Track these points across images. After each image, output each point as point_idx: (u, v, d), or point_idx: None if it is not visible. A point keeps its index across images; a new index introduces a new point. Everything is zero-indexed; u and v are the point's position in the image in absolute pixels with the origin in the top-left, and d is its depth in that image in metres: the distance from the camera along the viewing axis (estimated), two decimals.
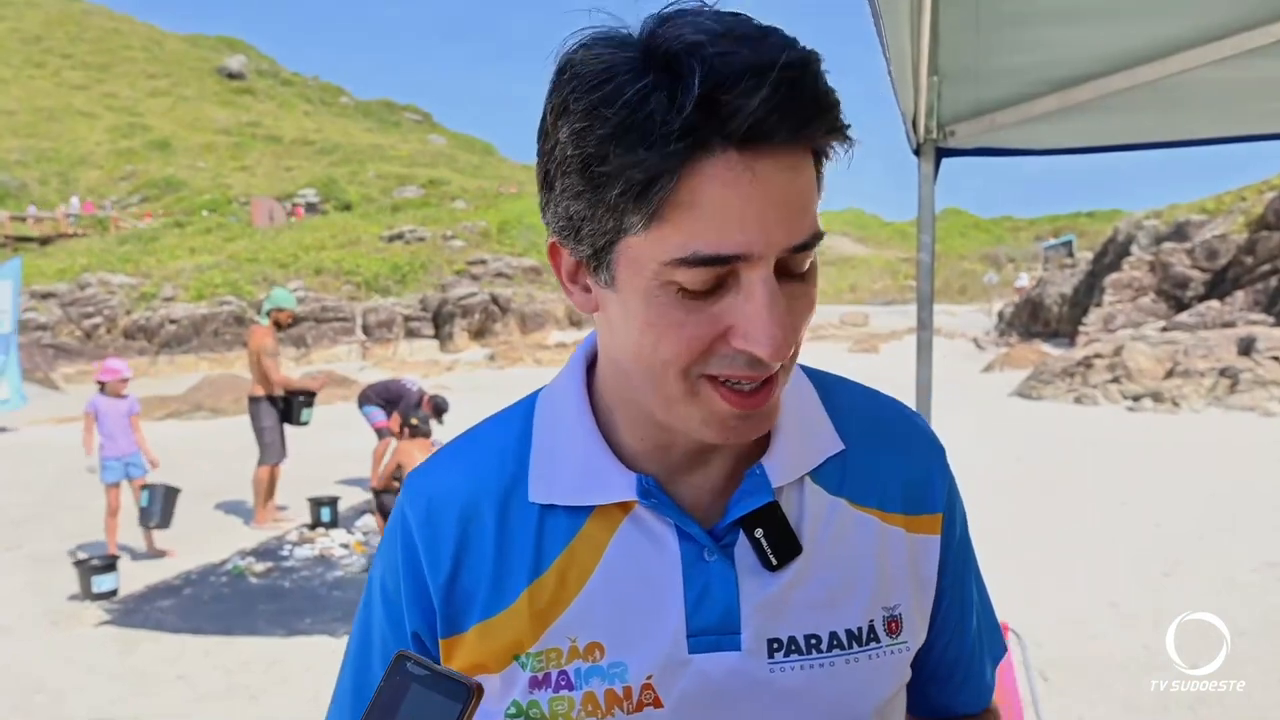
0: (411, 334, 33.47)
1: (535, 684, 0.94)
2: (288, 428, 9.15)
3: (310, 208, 45.99)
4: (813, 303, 0.85)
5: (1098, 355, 17.80)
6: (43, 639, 6.08)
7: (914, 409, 1.08)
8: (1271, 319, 19.18)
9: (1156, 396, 15.59)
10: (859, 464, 1.00)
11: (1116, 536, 7.88)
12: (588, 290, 0.88)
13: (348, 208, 46.51)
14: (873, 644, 0.96)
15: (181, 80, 72.50)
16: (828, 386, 1.06)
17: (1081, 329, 23.75)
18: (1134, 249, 26.52)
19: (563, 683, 0.93)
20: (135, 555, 7.96)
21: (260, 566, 7.66)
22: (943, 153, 2.58)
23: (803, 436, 0.99)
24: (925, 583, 1.02)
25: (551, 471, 0.97)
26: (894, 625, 0.98)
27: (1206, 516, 8.39)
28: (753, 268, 0.77)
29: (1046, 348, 24.26)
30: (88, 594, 6.79)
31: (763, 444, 0.96)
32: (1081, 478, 10.40)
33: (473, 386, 21.53)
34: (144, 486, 8.07)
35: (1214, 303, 21.14)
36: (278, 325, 9.13)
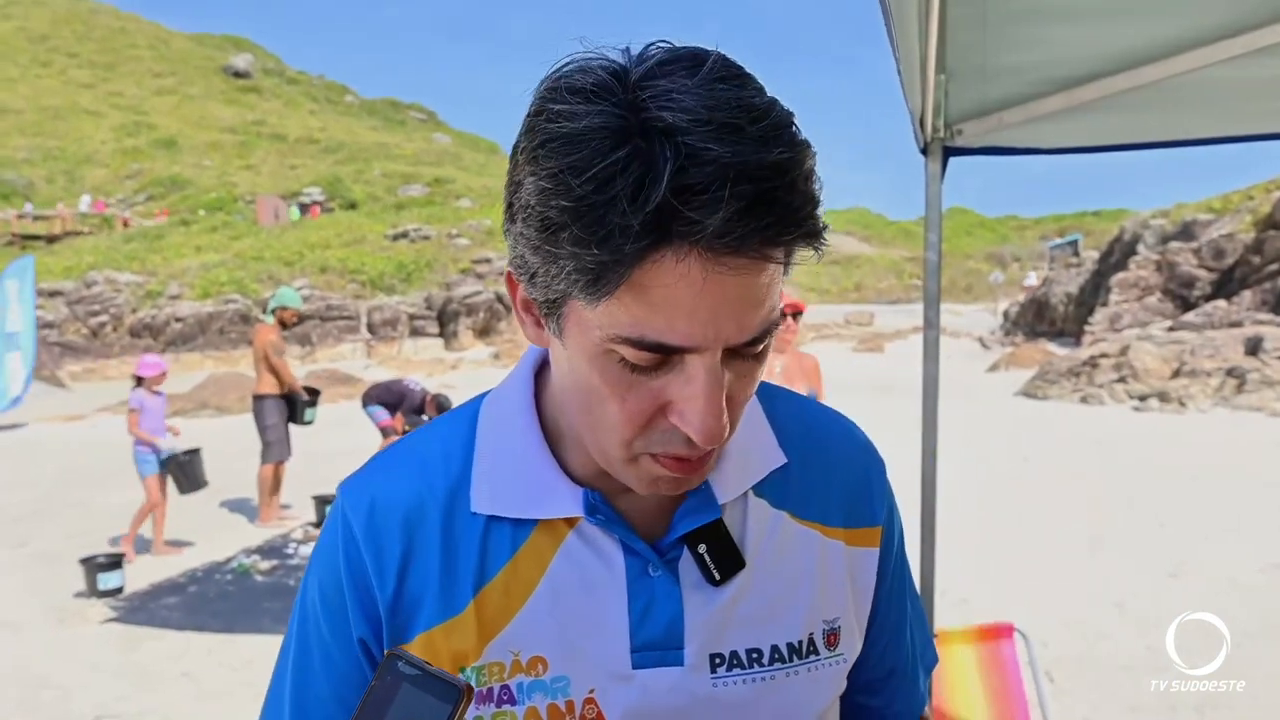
0: (416, 332, 33.51)
1: (478, 699, 0.92)
2: (292, 426, 9.17)
3: (315, 206, 46.03)
4: (755, 381, 0.83)
5: (1104, 355, 17.77)
6: (48, 636, 6.09)
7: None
8: (1279, 319, 19.12)
9: (1163, 396, 15.56)
10: (801, 477, 1.01)
11: (1122, 537, 7.86)
12: (539, 325, 0.85)
13: (353, 206, 46.55)
14: (812, 656, 0.97)
15: (187, 79, 72.62)
16: (769, 398, 1.05)
17: (1087, 329, 23.71)
18: (1140, 248, 26.46)
19: (505, 697, 0.91)
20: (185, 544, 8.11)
21: (265, 564, 7.66)
22: (950, 152, 2.58)
23: (746, 451, 0.98)
24: (862, 594, 1.03)
25: (495, 482, 0.94)
26: (832, 638, 0.99)
27: (1212, 517, 8.37)
28: (700, 357, 0.75)
29: (1052, 347, 24.23)
30: (93, 591, 6.80)
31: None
32: (1087, 478, 10.37)
33: (477, 385, 21.48)
34: (173, 459, 8.18)
35: (1221, 302, 21.10)
36: (283, 324, 9.14)
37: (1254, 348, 16.62)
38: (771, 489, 0.99)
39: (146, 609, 6.60)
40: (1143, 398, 15.80)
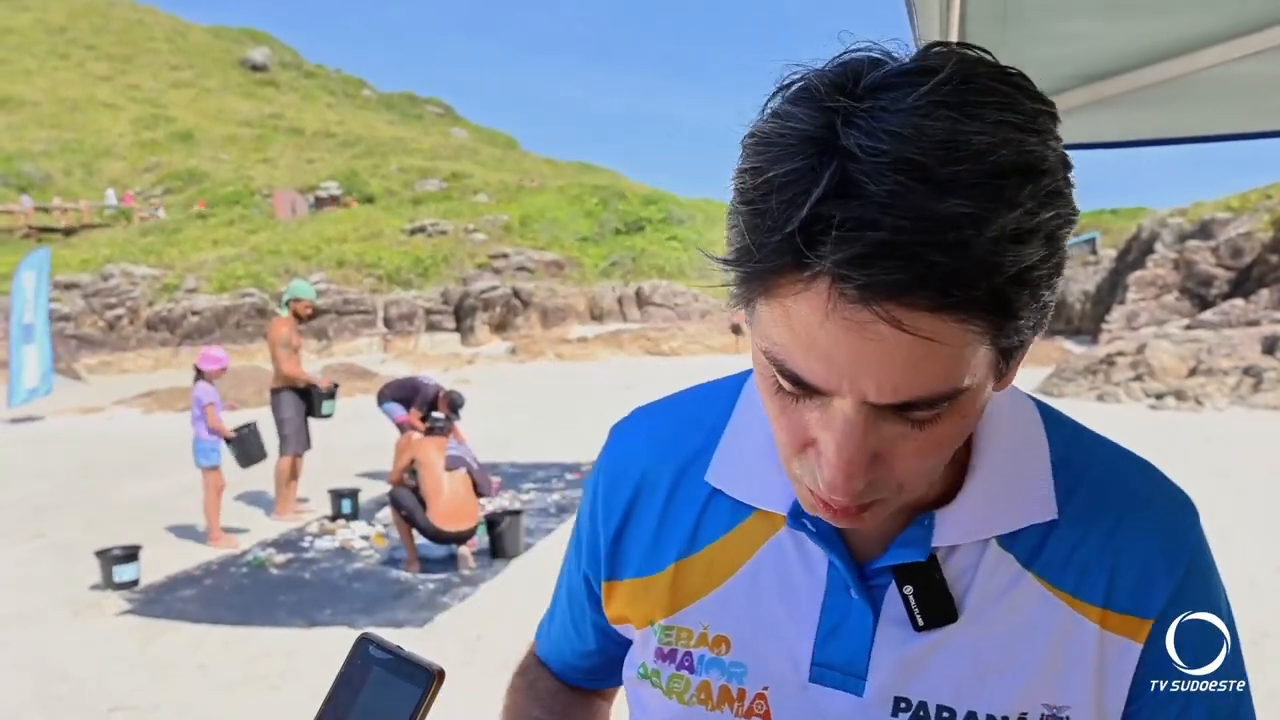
0: (433, 327, 33.58)
1: (660, 655, 0.96)
2: (311, 420, 9.20)
3: (331, 200, 46.14)
4: (943, 441, 0.73)
5: (1120, 353, 17.70)
6: (64, 627, 6.12)
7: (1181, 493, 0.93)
8: None
9: (1179, 395, 15.48)
10: (1066, 538, 0.87)
11: None
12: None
13: (370, 200, 46.62)
14: None
15: (205, 72, 72.81)
16: (1070, 442, 0.92)
17: (1104, 327, 23.62)
18: (1158, 247, 26.33)
19: (685, 663, 0.95)
20: (199, 538, 8.21)
21: (281, 558, 7.69)
22: None
23: (1002, 495, 0.87)
24: (1112, 693, 0.86)
25: (731, 460, 0.96)
26: None
27: (1229, 516, 8.31)
28: (843, 402, 0.69)
29: (1069, 345, 24.14)
30: (109, 583, 6.84)
31: (953, 489, 0.87)
32: None
33: (493, 380, 21.56)
34: (235, 439, 8.44)
35: (1238, 301, 20.99)
36: (297, 316, 9.18)
37: (1271, 346, 16.52)
38: (1023, 544, 0.87)
39: (162, 601, 6.63)
40: (1159, 396, 15.72)
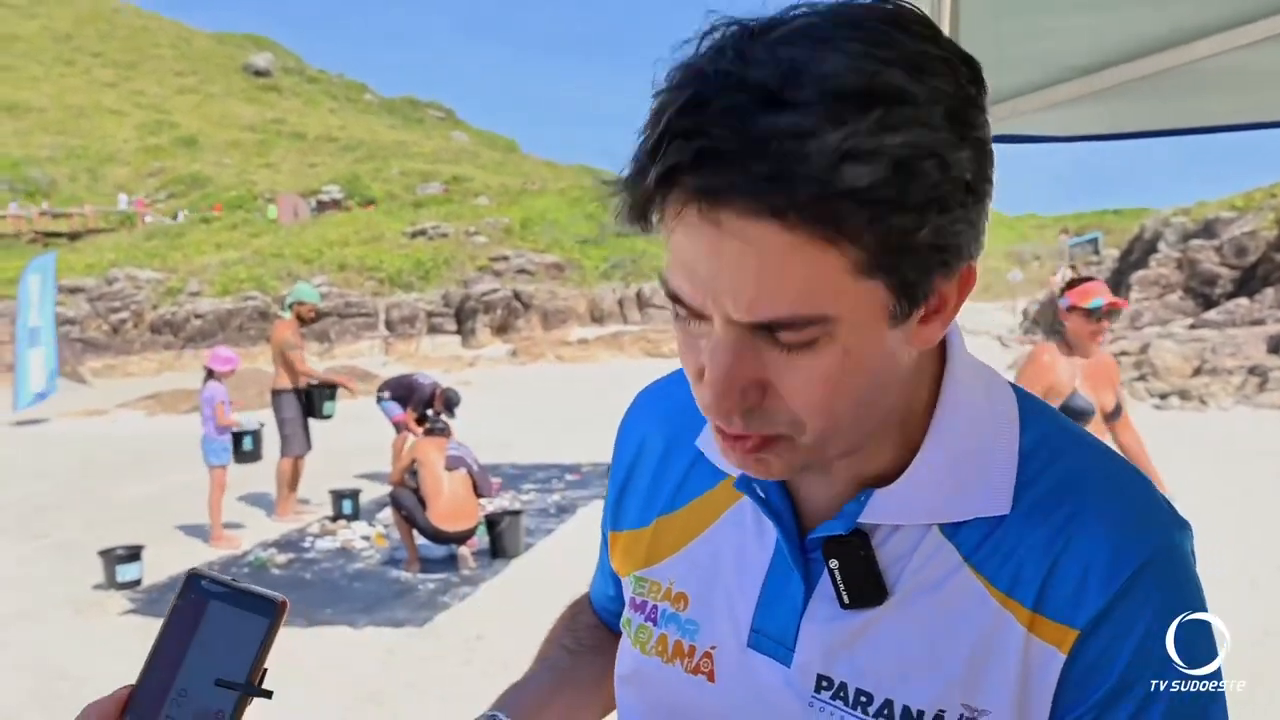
0: (434, 330, 33.60)
1: (634, 605, 1.02)
2: (312, 421, 9.22)
3: (333, 204, 46.21)
4: (831, 374, 0.72)
5: (1124, 353, 17.66)
6: (66, 626, 6.13)
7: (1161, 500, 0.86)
8: None
9: (1184, 394, 15.45)
10: (1013, 533, 0.82)
11: None
12: None
13: (371, 204, 46.69)
14: None
15: (209, 78, 72.96)
16: (1044, 437, 0.86)
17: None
18: (1161, 246, 26.26)
19: (651, 615, 0.99)
20: (201, 538, 8.26)
21: (282, 558, 7.70)
22: None
23: (952, 481, 0.83)
24: (1036, 702, 0.80)
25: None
26: None
27: (1232, 515, 8.30)
28: (715, 322, 0.72)
29: None
30: (111, 583, 6.85)
31: (899, 467, 0.85)
32: None
33: (494, 382, 21.56)
34: (245, 433, 8.65)
35: (1243, 300, 20.91)
36: (300, 319, 9.21)
37: (1276, 346, 16.49)
38: (967, 535, 0.83)
39: (164, 601, 6.60)
40: (1163, 396, 15.69)
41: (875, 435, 0.82)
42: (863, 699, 0.84)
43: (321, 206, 45.91)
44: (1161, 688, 0.79)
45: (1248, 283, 22.30)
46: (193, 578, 0.76)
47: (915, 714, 0.82)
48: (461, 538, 7.25)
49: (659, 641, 0.97)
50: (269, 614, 0.73)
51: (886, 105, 0.65)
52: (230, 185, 49.60)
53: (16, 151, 51.28)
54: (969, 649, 0.81)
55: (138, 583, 6.95)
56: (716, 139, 0.64)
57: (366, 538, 8.24)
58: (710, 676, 0.92)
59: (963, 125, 0.69)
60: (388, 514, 8.82)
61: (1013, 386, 0.91)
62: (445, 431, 7.63)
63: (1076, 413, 4.45)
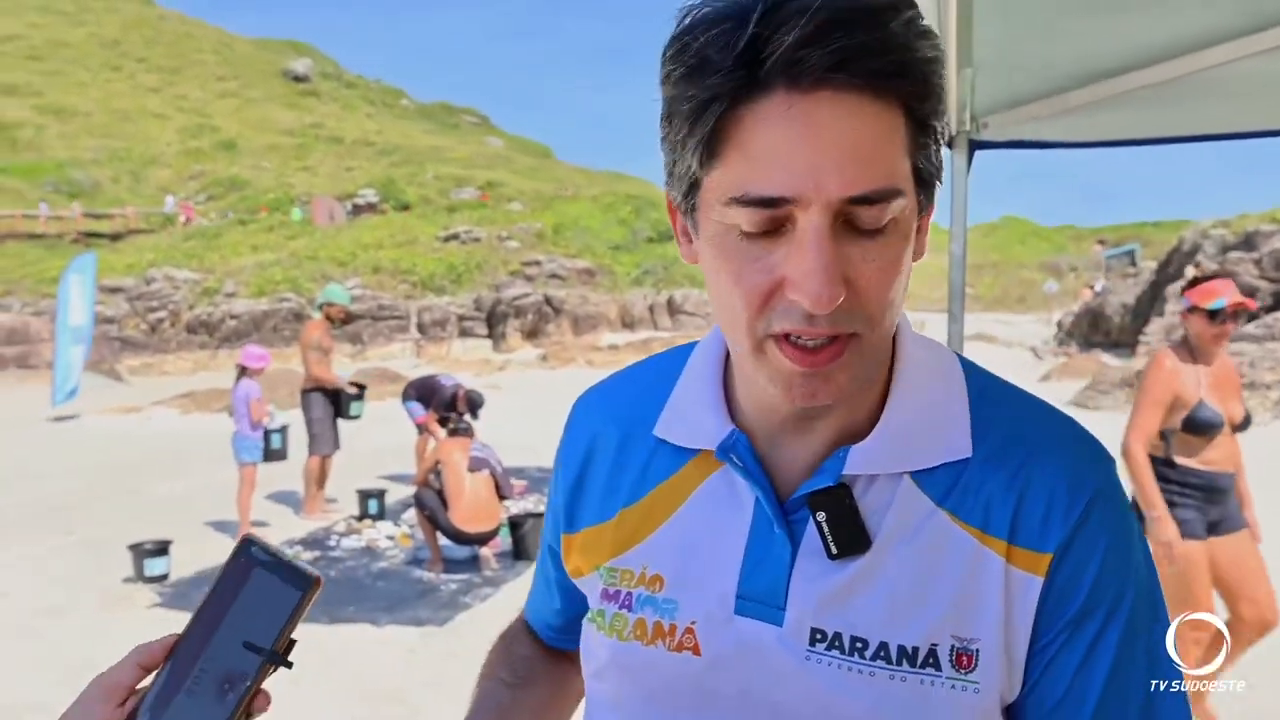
0: (465, 333, 33.78)
1: (605, 596, 1.02)
2: (340, 421, 9.31)
3: (369, 207, 46.57)
4: (895, 264, 0.81)
5: None
6: (94, 619, 6.22)
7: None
8: None
9: None
10: (978, 476, 0.91)
11: None
12: (690, 241, 0.90)
13: (406, 208, 47.00)
14: (929, 669, 0.88)
15: (249, 82, 73.75)
16: (985, 388, 0.97)
17: (1142, 339, 23.33)
18: (1200, 258, 25.98)
19: (625, 602, 1.00)
20: (229, 535, 8.35)
21: (308, 556, 7.77)
22: (975, 145, 2.57)
23: (918, 431, 0.92)
24: (1018, 627, 0.89)
25: (677, 413, 1.02)
26: (964, 659, 0.88)
27: (1268, 528, 8.20)
28: (806, 214, 0.76)
29: (1106, 358, 23.87)
30: (140, 577, 6.94)
31: (873, 426, 0.92)
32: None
33: (524, 386, 21.63)
34: (273, 430, 8.80)
35: None
36: (330, 320, 9.30)
37: None
38: (936, 482, 0.91)
39: (191, 596, 6.71)
40: None
41: (868, 380, 0.91)
42: (859, 645, 0.89)
43: (357, 210, 46.30)
44: (1122, 600, 0.89)
45: None
46: (245, 543, 0.81)
47: (910, 651, 0.88)
48: (484, 539, 7.29)
49: (636, 626, 0.98)
50: (303, 588, 0.78)
51: (911, 6, 0.77)
52: (268, 188, 50.12)
53: (62, 154, 52.08)
54: (954, 585, 0.89)
55: (165, 577, 7.03)
56: (830, 11, 0.72)
57: (391, 537, 8.30)
58: (695, 650, 0.94)
59: None
60: (413, 514, 8.87)
61: (947, 348, 1.02)
62: (468, 432, 7.68)
63: (1204, 425, 4.11)
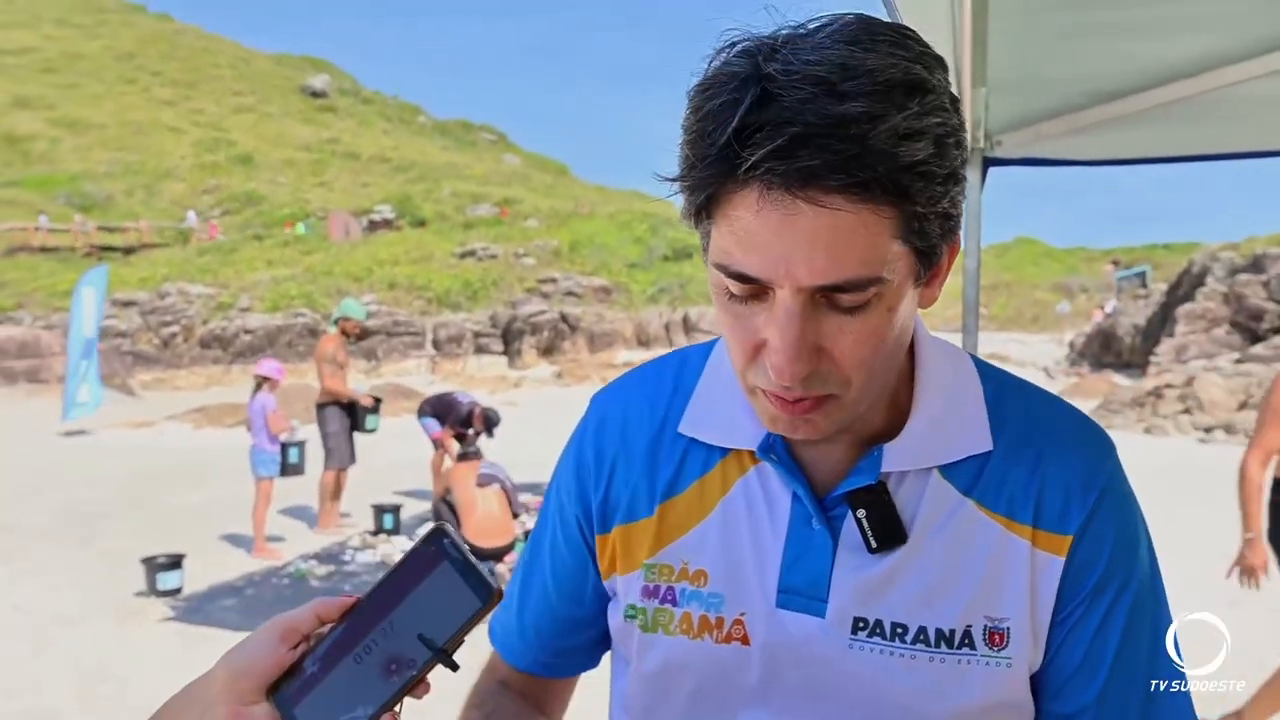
0: (480, 350, 33.84)
1: (647, 592, 1.05)
2: (356, 436, 9.34)
3: (385, 223, 46.76)
4: (874, 335, 0.85)
5: (1168, 385, 17.47)
6: (109, 631, 6.25)
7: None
8: None
9: (1229, 428, 15.24)
10: (1000, 468, 0.99)
11: (1181, 565, 7.71)
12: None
13: (422, 224, 47.18)
14: (965, 649, 0.95)
15: (266, 98, 74.17)
16: (1001, 385, 1.05)
17: (1152, 360, 23.30)
18: (1209, 280, 25.96)
19: (669, 597, 1.04)
20: (243, 548, 8.40)
21: (322, 570, 7.79)
22: (990, 162, 2.61)
23: (943, 429, 0.99)
24: (1043, 604, 0.97)
25: (703, 410, 1.07)
26: (997, 637, 0.96)
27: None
28: (780, 293, 0.81)
29: (1118, 379, 23.83)
30: (153, 590, 6.97)
31: (899, 426, 0.99)
32: (1147, 506, 10.13)
33: (539, 403, 21.67)
34: (291, 445, 8.74)
35: None
36: (345, 335, 9.36)
37: None
38: (963, 474, 0.99)
39: (204, 610, 6.74)
40: (1208, 429, 15.48)
41: (876, 399, 0.96)
42: (899, 630, 0.96)
43: (373, 226, 46.48)
44: (1133, 574, 0.99)
45: None
46: (438, 533, 0.83)
47: (947, 633, 0.96)
48: (498, 554, 7.30)
49: (683, 620, 1.02)
50: (485, 598, 0.79)
51: (922, 94, 0.78)
52: (284, 203, 50.34)
53: (76, 166, 52.40)
54: (984, 569, 0.96)
55: (178, 591, 7.06)
56: (803, 125, 0.75)
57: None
58: (744, 641, 0.99)
59: (959, 111, 0.83)
60: (427, 530, 8.91)
61: (962, 349, 1.09)
62: (476, 456, 7.72)
63: None
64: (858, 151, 0.75)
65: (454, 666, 0.80)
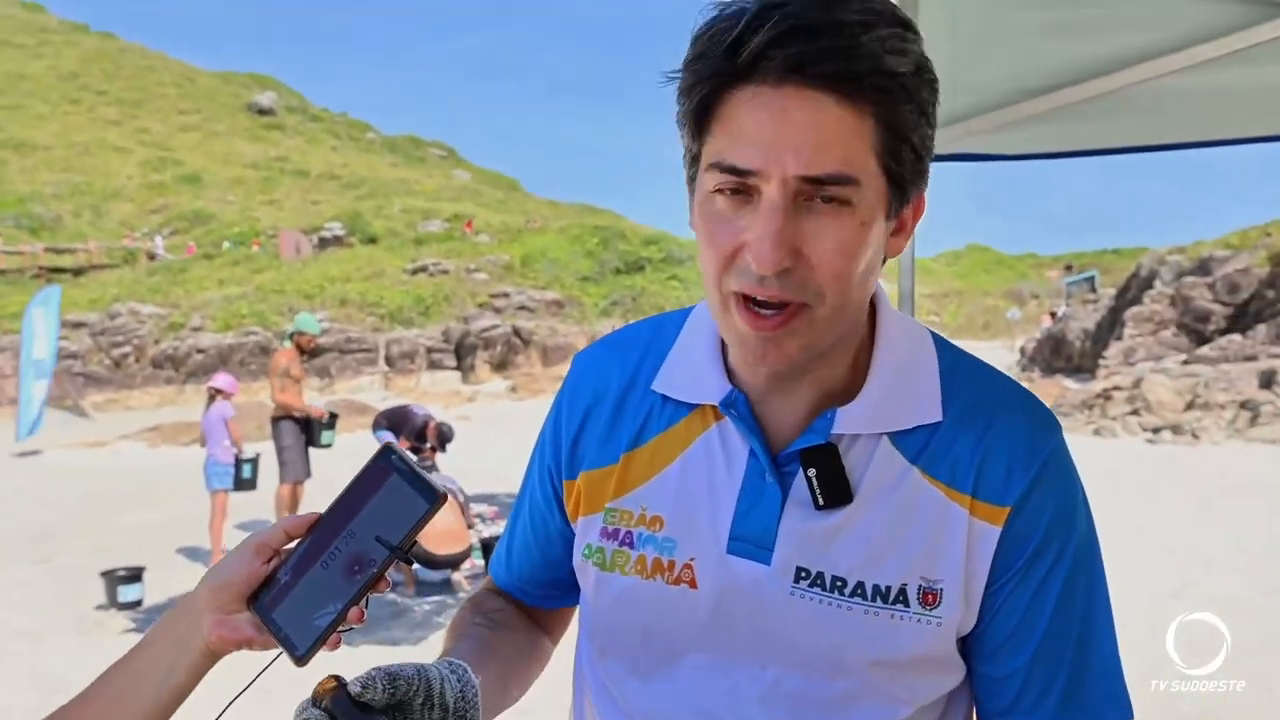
0: (434, 365, 33.70)
1: (606, 534, 1.13)
2: (311, 450, 9.34)
3: (335, 240, 46.47)
4: (848, 245, 0.92)
5: (1116, 388, 17.80)
6: (69, 645, 6.25)
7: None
8: None
9: (1176, 429, 15.57)
10: (947, 438, 1.04)
11: (1128, 560, 7.92)
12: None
13: (373, 241, 46.94)
14: (899, 605, 1.02)
15: (212, 116, 73.41)
16: (954, 360, 1.11)
17: (1101, 363, 23.69)
18: (1157, 284, 26.44)
19: (626, 540, 1.11)
20: (201, 561, 8.39)
21: None
22: None
23: (895, 397, 1.05)
24: (977, 570, 1.03)
25: (675, 369, 1.14)
26: (930, 597, 1.02)
27: (1220, 544, 8.42)
28: (768, 187, 0.90)
29: (1068, 383, 24.20)
30: (113, 603, 6.97)
31: (852, 389, 1.05)
32: (1097, 506, 10.34)
33: (493, 416, 21.68)
34: (245, 460, 8.77)
35: (1235, 336, 21.07)
36: (300, 349, 9.36)
37: (1268, 381, 16.62)
38: (911, 442, 1.04)
39: None
40: (1156, 430, 15.80)
41: (837, 352, 1.04)
42: (838, 583, 1.03)
43: (323, 243, 46.16)
44: (1068, 546, 1.05)
45: (1240, 319, 22.47)
46: (386, 450, 0.95)
47: (884, 590, 1.02)
48: (455, 561, 7.36)
49: (638, 561, 1.10)
50: (430, 500, 0.91)
51: (905, 26, 0.90)
52: (233, 222, 49.87)
53: (23, 188, 51.60)
54: (924, 534, 1.02)
55: (139, 603, 7.06)
56: (802, 20, 0.86)
57: None
58: (692, 584, 1.07)
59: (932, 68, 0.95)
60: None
61: (921, 324, 1.15)
62: (432, 469, 7.78)
63: None
64: (849, 45, 0.86)
65: (409, 561, 0.92)
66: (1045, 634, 1.04)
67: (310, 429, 9.26)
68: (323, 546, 0.93)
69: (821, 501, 1.03)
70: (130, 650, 0.97)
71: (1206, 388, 16.88)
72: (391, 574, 0.94)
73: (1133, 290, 28.07)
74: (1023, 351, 33.68)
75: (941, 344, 1.13)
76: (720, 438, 1.09)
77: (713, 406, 1.09)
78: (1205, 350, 20.94)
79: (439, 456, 9.14)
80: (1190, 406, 16.43)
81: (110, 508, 11.37)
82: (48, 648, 6.18)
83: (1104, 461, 13.46)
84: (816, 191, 0.90)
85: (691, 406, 1.12)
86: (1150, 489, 11.32)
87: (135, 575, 7.14)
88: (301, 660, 0.92)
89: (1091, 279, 39.21)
